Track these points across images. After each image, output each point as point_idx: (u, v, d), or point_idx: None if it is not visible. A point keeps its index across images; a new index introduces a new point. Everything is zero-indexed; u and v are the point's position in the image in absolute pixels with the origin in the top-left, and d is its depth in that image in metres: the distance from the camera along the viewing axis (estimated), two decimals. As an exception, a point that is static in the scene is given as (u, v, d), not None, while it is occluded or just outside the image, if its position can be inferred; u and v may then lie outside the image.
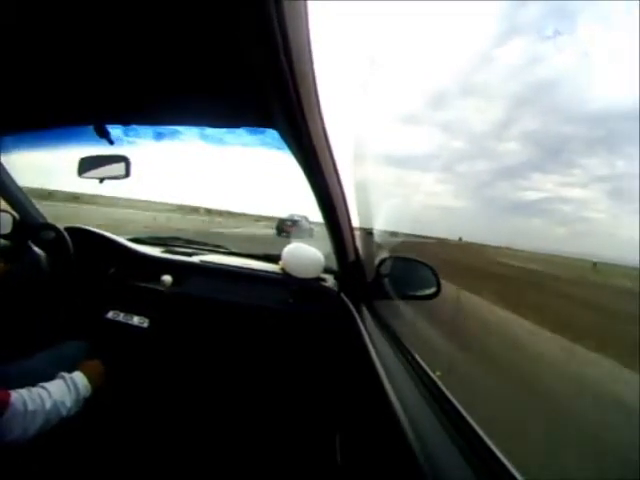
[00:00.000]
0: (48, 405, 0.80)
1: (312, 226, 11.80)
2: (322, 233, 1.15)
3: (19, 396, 0.76)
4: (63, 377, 0.90)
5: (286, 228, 11.41)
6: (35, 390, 0.80)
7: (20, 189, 1.41)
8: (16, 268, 1.23)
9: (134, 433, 1.22)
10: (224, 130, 0.93)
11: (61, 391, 0.86)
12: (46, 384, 0.84)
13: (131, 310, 1.37)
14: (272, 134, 0.76)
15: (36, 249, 1.27)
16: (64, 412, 0.83)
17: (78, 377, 0.93)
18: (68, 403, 0.85)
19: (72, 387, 0.89)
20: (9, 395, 0.74)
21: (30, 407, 0.76)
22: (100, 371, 1.04)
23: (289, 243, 1.38)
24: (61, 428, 1.10)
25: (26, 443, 0.78)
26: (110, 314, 1.37)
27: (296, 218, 11.74)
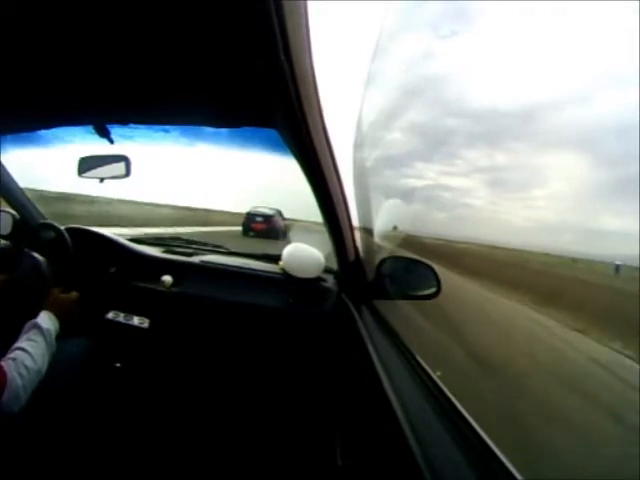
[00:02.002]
0: (34, 371, 0.82)
1: (287, 222, 9.56)
2: (321, 232, 1.15)
3: (10, 374, 0.77)
4: (37, 326, 0.91)
5: (256, 226, 9.28)
6: (19, 359, 0.81)
7: (20, 189, 1.41)
8: (15, 278, 1.22)
9: (134, 433, 1.22)
10: (223, 130, 0.92)
11: (41, 350, 0.87)
12: (24, 344, 0.85)
13: (131, 310, 1.37)
14: (272, 134, 0.76)
15: (34, 254, 1.25)
16: (44, 369, 0.86)
17: (50, 323, 0.94)
18: (46, 358, 0.88)
19: (48, 338, 0.91)
20: (5, 375, 0.76)
21: (19, 383, 0.78)
22: (70, 308, 1.06)
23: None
24: (62, 426, 1.10)
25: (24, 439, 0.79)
26: (110, 314, 1.37)
27: (268, 212, 9.59)
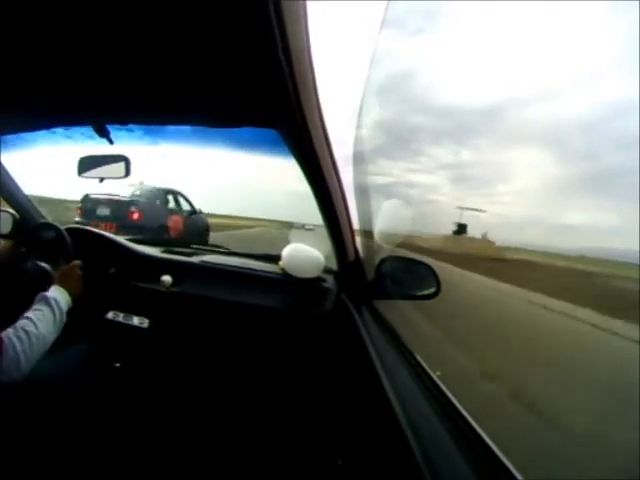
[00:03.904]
0: (36, 336, 0.81)
1: (203, 216, 6.05)
2: (321, 232, 1.15)
3: (6, 339, 0.76)
4: (44, 298, 0.90)
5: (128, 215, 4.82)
6: (19, 325, 0.80)
7: (20, 188, 1.41)
8: (19, 282, 1.23)
9: (133, 432, 1.22)
10: (222, 130, 0.92)
11: (45, 318, 0.86)
12: (29, 312, 0.85)
13: (131, 310, 1.37)
14: (272, 134, 0.76)
15: (39, 263, 1.26)
16: (51, 338, 0.85)
17: (58, 293, 0.94)
18: (53, 327, 0.86)
19: (55, 308, 0.90)
20: (2, 340, 0.74)
21: (18, 347, 0.76)
22: (77, 277, 1.07)
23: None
24: (61, 427, 1.10)
25: (26, 429, 0.78)
26: (110, 314, 1.37)
27: (128, 197, 5.35)
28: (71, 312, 1.09)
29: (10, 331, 0.77)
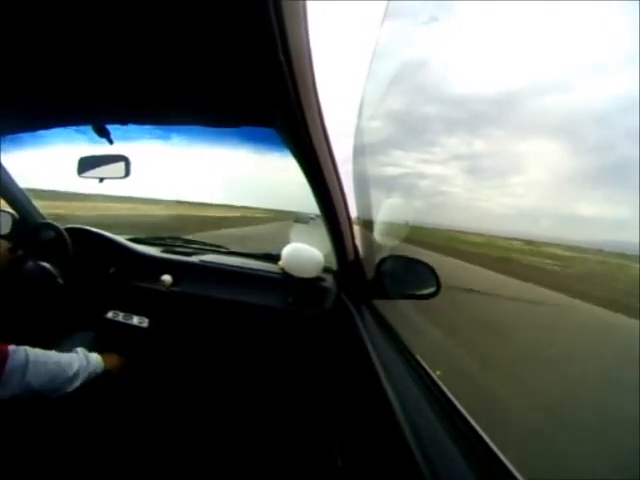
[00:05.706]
0: (52, 361, 0.81)
1: None
2: (321, 232, 1.15)
3: (21, 349, 0.77)
4: (77, 351, 0.93)
5: None
6: (40, 350, 0.81)
7: (20, 189, 1.41)
8: (21, 281, 1.24)
9: (133, 432, 1.22)
10: (221, 130, 0.92)
11: (70, 356, 0.88)
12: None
13: (131, 310, 1.37)
14: (271, 134, 0.76)
15: (41, 263, 1.26)
16: (70, 372, 0.84)
17: (92, 354, 0.96)
18: (75, 367, 0.87)
19: (82, 356, 0.92)
20: (6, 347, 0.75)
21: (32, 358, 0.76)
22: (116, 360, 1.10)
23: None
24: (61, 427, 1.10)
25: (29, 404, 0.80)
26: (110, 314, 1.38)
27: None
28: (71, 312, 1.09)
29: (27, 347, 0.78)
